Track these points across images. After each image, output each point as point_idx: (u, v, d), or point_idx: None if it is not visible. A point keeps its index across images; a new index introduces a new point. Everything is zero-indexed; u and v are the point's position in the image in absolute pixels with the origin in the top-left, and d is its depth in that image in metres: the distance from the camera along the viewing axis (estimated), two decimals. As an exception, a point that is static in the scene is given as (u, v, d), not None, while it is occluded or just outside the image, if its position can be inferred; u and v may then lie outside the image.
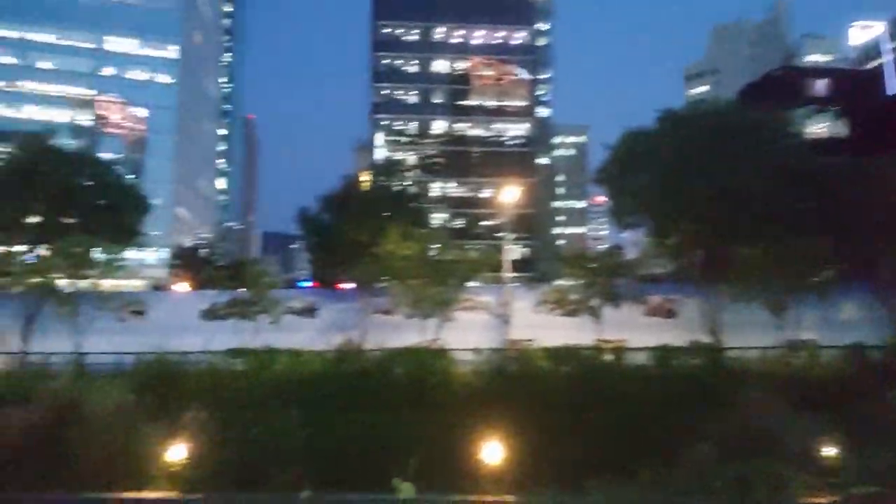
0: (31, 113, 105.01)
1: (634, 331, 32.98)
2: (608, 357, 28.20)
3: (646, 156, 36.01)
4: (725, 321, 32.39)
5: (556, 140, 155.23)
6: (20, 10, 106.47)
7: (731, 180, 31.38)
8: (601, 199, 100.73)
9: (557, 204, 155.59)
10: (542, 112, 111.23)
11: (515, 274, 42.15)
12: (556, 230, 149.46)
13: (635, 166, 36.98)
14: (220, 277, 51.25)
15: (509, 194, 47.28)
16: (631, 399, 22.53)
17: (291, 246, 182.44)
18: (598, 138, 57.43)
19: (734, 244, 33.09)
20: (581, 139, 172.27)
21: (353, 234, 39.40)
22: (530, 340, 31.49)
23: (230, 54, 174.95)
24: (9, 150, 49.84)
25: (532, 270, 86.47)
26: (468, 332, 33.63)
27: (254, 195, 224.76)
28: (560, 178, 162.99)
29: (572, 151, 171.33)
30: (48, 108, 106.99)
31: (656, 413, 21.23)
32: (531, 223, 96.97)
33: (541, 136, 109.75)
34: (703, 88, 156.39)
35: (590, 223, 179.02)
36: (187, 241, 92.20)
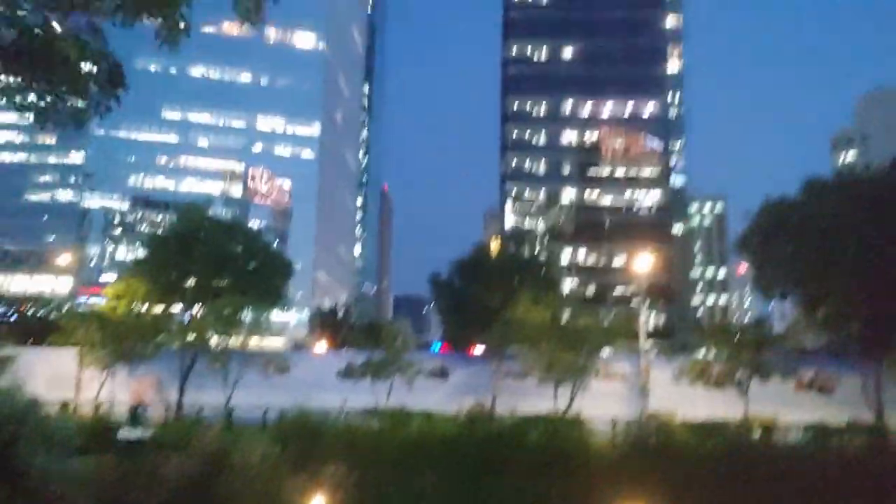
0: (190, 186, 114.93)
1: (785, 406, 30.73)
2: (757, 434, 26.31)
3: (791, 224, 34.23)
4: (890, 399, 29.55)
5: (693, 208, 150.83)
6: (183, 93, 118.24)
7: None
8: (743, 268, 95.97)
9: (695, 273, 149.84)
10: (676, 180, 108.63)
11: (651, 342, 40.65)
12: (695, 299, 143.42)
13: (779, 235, 35.22)
14: (357, 338, 52.93)
15: (643, 261, 46.15)
16: (782, 481, 20.79)
17: (423, 310, 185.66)
18: (738, 206, 55.29)
19: (897, 316, 30.43)
20: (718, 207, 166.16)
21: (484, 298, 39.70)
22: (670, 413, 30.01)
23: (367, 129, 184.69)
24: (170, 219, 54.67)
25: (669, 340, 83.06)
26: (603, 401, 32.63)
27: (388, 260, 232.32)
28: (697, 246, 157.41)
29: (709, 220, 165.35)
30: (204, 181, 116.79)
31: (811, 499, 19.44)
32: (667, 291, 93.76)
33: (675, 204, 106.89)
34: (851, 156, 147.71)
35: (731, 292, 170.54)
36: (326, 303, 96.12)
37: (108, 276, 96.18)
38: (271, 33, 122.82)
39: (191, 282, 43.22)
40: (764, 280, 37.06)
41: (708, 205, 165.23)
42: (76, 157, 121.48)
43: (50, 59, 11.82)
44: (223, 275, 43.58)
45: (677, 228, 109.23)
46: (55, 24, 12.39)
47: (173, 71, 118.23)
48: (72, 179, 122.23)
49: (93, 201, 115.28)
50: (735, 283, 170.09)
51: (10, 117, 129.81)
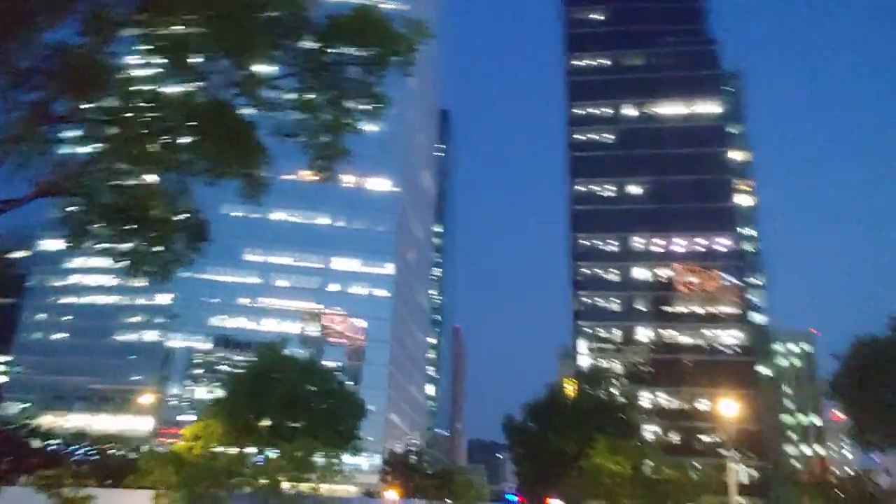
0: (269, 325, 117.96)
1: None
2: None
3: (885, 366, 32.32)
4: None
5: (778, 348, 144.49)
6: (264, 237, 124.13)
7: None
8: (839, 414, 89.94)
9: (787, 419, 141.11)
10: (757, 318, 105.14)
11: (744, 499, 37.87)
12: (789, 449, 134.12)
13: (874, 379, 33.21)
14: (429, 486, 51.39)
15: (728, 406, 43.87)
16: None
17: (498, 455, 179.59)
18: (828, 347, 52.78)
19: None
20: (806, 347, 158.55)
21: (559, 443, 38.39)
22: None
23: (440, 269, 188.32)
24: (249, 358, 55.93)
25: (764, 495, 77.14)
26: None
27: (461, 403, 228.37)
28: (787, 389, 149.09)
29: (797, 361, 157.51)
30: (283, 321, 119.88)
31: None
32: (757, 440, 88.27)
33: (758, 344, 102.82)
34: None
35: (829, 443, 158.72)
36: (398, 447, 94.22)
37: (188, 416, 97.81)
38: (347, 179, 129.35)
39: (265, 422, 43.52)
40: (860, 430, 34.57)
41: (794, 345, 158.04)
42: (163, 299, 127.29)
43: (144, 215, 12.85)
44: (297, 415, 43.76)
45: (763, 370, 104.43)
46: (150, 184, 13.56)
47: (255, 216, 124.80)
48: (158, 320, 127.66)
49: (176, 342, 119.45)
50: (832, 431, 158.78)
51: (103, 261, 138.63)
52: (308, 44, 13.05)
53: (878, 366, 32.90)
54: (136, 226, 13.27)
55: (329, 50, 13.15)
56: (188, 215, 13.87)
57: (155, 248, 13.54)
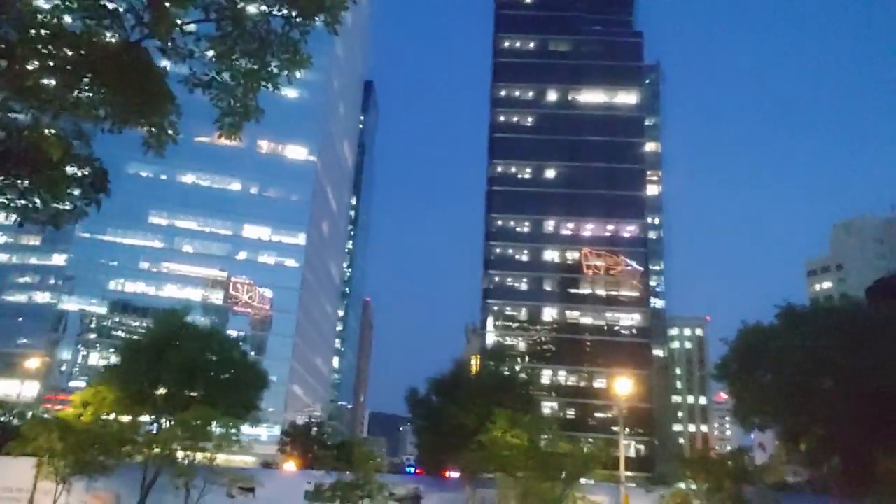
0: (171, 292, 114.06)
1: (767, 546, 29.59)
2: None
3: (768, 354, 34.36)
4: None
5: (673, 332, 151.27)
6: (171, 200, 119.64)
7: (874, 380, 29.10)
8: (723, 396, 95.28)
9: (676, 399, 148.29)
10: (656, 303, 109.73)
11: (631, 473, 39.59)
12: (676, 427, 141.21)
13: (757, 364, 35.27)
14: (328, 458, 51.17)
15: (623, 385, 45.66)
16: None
17: (400, 428, 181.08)
18: (717, 331, 55.59)
19: (879, 450, 30.01)
20: (698, 332, 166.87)
21: (460, 417, 38.85)
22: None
23: (352, 242, 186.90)
24: (147, 324, 53.93)
25: (649, 470, 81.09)
26: (580, 535, 31.26)
27: (366, 375, 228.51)
28: (678, 371, 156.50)
29: (690, 344, 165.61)
30: (186, 287, 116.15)
31: None
32: (648, 418, 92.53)
33: (655, 327, 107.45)
34: (827, 284, 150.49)
35: (713, 421, 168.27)
36: (299, 419, 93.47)
37: (79, 383, 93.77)
38: (263, 144, 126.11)
39: (161, 391, 42.16)
40: (743, 411, 36.71)
41: (688, 330, 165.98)
42: (58, 259, 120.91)
43: (35, 160, 11.92)
44: (195, 384, 42.60)
45: (657, 352, 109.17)
46: (44, 127, 12.63)
47: (164, 177, 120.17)
48: (51, 281, 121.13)
49: (70, 304, 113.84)
50: (716, 412, 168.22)
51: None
52: None
53: (760, 351, 34.87)
54: (27, 172, 12.37)
55: (253, 1, 12.55)
56: (86, 164, 12.98)
57: (46, 197, 12.70)
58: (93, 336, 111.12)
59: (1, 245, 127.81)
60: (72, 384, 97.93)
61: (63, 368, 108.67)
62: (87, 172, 13.06)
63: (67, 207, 13.09)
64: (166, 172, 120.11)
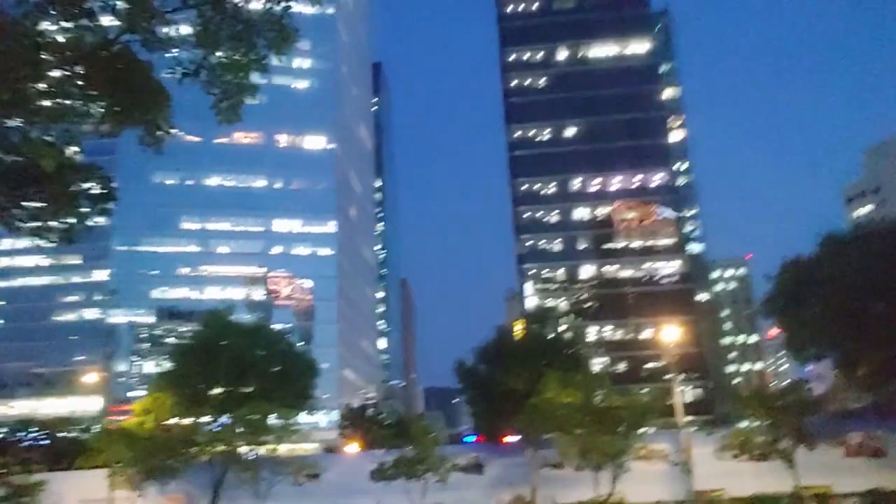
0: (213, 293, 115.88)
1: (837, 475, 29.38)
2: (811, 506, 25.06)
3: (815, 284, 33.79)
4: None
5: (715, 275, 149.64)
6: (201, 204, 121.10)
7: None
8: (775, 331, 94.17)
9: (726, 340, 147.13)
10: (694, 248, 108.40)
11: (690, 418, 39.48)
12: (730, 368, 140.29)
13: (805, 295, 34.72)
14: (387, 436, 51.99)
15: (670, 333, 45.39)
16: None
17: (454, 400, 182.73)
18: (761, 268, 54.75)
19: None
20: (741, 271, 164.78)
21: (510, 383, 39.06)
22: (719, 490, 28.76)
23: (382, 224, 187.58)
24: (194, 328, 54.93)
25: (708, 413, 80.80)
26: (646, 484, 31.41)
27: (413, 353, 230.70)
28: (725, 313, 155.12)
29: (734, 285, 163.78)
30: (226, 288, 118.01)
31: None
32: (700, 362, 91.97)
33: (696, 272, 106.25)
34: (868, 209, 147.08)
35: (767, 358, 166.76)
36: (355, 402, 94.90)
37: (138, 392, 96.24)
38: (282, 139, 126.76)
39: (217, 390, 43.06)
40: (796, 343, 36.27)
41: (730, 271, 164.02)
42: (100, 275, 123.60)
43: (37, 177, 11.88)
44: (248, 380, 43.41)
45: (701, 297, 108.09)
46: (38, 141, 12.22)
47: (190, 183, 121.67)
48: (97, 297, 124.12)
49: (118, 317, 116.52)
50: (769, 348, 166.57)
51: (36, 240, 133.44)
52: None
53: (806, 282, 34.35)
54: (30, 189, 12.17)
55: None
56: (89, 174, 12.77)
57: (55, 211, 12.47)
58: (144, 345, 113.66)
59: (45, 268, 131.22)
60: (131, 394, 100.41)
61: (121, 380, 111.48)
62: (90, 181, 12.90)
63: (73, 221, 12.89)
64: (192, 177, 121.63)
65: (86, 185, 12.72)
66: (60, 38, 11.57)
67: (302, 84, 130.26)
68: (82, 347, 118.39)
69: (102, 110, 11.93)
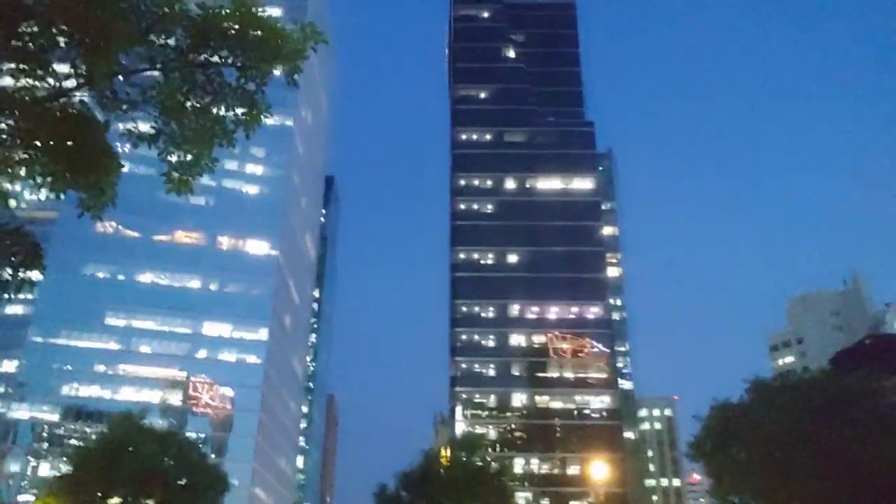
0: (128, 395, 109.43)
1: None
2: None
3: (741, 428, 34.07)
4: None
5: (642, 413, 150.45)
6: (129, 300, 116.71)
7: (849, 453, 28.85)
8: (697, 477, 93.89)
9: (650, 482, 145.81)
10: (624, 385, 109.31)
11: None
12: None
13: (731, 439, 34.89)
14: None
15: (597, 470, 44.65)
16: None
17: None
18: (686, 410, 55.33)
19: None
20: (668, 412, 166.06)
21: (434, 515, 37.40)
22: None
23: (315, 335, 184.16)
24: (101, 430, 51.57)
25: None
26: None
27: (331, 475, 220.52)
28: (650, 454, 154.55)
29: (659, 425, 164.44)
30: (143, 389, 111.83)
31: None
32: (623, 503, 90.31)
33: (625, 409, 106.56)
34: (790, 359, 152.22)
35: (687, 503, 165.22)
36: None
37: (27, 497, 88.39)
38: (224, 241, 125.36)
39: (115, 500, 39.97)
40: (721, 490, 35.99)
41: (656, 410, 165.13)
42: (9, 366, 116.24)
43: None
44: (152, 490, 40.59)
45: (629, 434, 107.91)
46: None
47: (122, 277, 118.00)
48: (0, 389, 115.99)
49: (21, 412, 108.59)
50: (690, 494, 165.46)
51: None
52: (176, 41, 11.32)
53: (734, 427, 34.58)
54: None
55: (202, 50, 11.44)
56: (12, 237, 11.70)
57: None
58: (44, 445, 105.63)
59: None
60: (21, 498, 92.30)
61: (11, 482, 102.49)
62: (14, 248, 11.80)
63: None
64: (124, 272, 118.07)
65: (8, 249, 11.65)
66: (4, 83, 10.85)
67: (252, 189, 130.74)
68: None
69: (42, 166, 11.06)
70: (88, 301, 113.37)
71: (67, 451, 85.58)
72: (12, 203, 11.68)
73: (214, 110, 11.59)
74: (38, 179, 11.16)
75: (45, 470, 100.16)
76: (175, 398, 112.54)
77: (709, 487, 40.42)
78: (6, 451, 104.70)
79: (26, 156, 10.95)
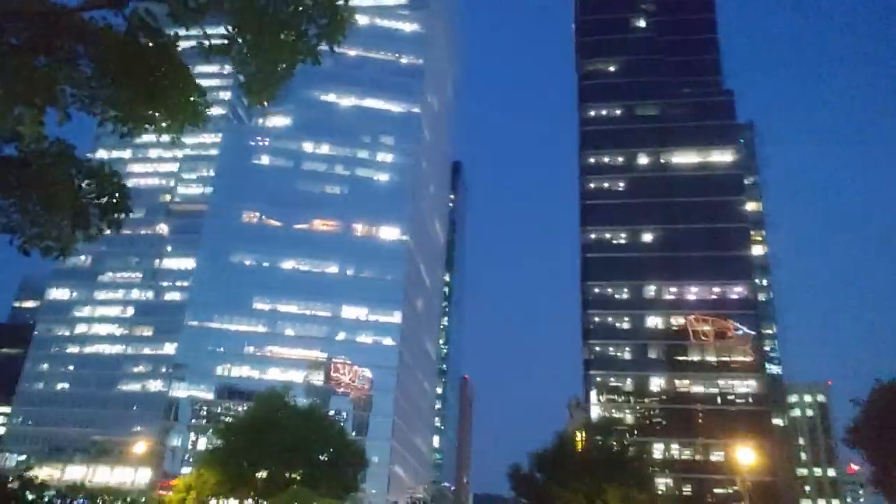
0: (274, 375, 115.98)
1: None
2: None
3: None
4: None
5: (792, 399, 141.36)
6: (274, 285, 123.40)
7: None
8: (856, 467, 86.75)
9: (801, 472, 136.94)
10: (772, 369, 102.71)
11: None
12: (804, 503, 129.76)
13: (894, 423, 31.61)
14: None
15: (744, 457, 42.03)
16: None
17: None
18: (841, 397, 50.91)
19: None
20: (821, 398, 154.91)
21: (567, 496, 36.63)
22: None
23: (447, 318, 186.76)
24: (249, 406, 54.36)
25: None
26: None
27: (467, 455, 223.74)
28: (801, 441, 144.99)
29: (812, 412, 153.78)
30: (288, 369, 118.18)
31: None
32: (772, 493, 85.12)
33: (772, 394, 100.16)
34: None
35: (843, 496, 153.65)
36: (402, 501, 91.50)
37: (189, 468, 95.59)
38: (358, 227, 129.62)
39: (262, 472, 42.01)
40: (887, 480, 32.72)
41: (808, 396, 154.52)
42: (169, 348, 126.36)
43: (43, 178, 10.29)
44: (295, 465, 42.30)
45: (777, 421, 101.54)
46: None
47: (266, 264, 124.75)
48: (163, 370, 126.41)
49: (180, 391, 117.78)
50: (849, 485, 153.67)
51: (111, 310, 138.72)
52: None
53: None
54: (36, 191, 10.65)
55: None
56: (98, 177, 10.72)
57: (60, 221, 10.78)
58: (202, 422, 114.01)
59: (118, 337, 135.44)
60: (184, 470, 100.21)
61: (176, 455, 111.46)
62: (105, 191, 10.76)
63: (78, 225, 10.63)
64: (268, 259, 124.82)
65: (98, 194, 11.13)
66: None
67: (383, 177, 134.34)
68: (142, 419, 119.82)
69: (112, 94, 10.08)
70: (237, 287, 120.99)
71: (220, 427, 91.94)
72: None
73: (294, 23, 10.52)
74: (112, 113, 10.25)
75: (202, 444, 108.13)
76: (317, 378, 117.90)
77: (869, 477, 36.91)
78: (169, 426, 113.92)
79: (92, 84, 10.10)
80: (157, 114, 10.20)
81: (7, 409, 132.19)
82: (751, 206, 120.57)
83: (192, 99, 10.48)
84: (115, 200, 10.79)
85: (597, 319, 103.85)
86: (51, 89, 9.77)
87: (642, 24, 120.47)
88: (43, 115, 9.95)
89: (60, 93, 9.92)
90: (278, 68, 10.56)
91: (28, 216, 10.26)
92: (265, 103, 10.96)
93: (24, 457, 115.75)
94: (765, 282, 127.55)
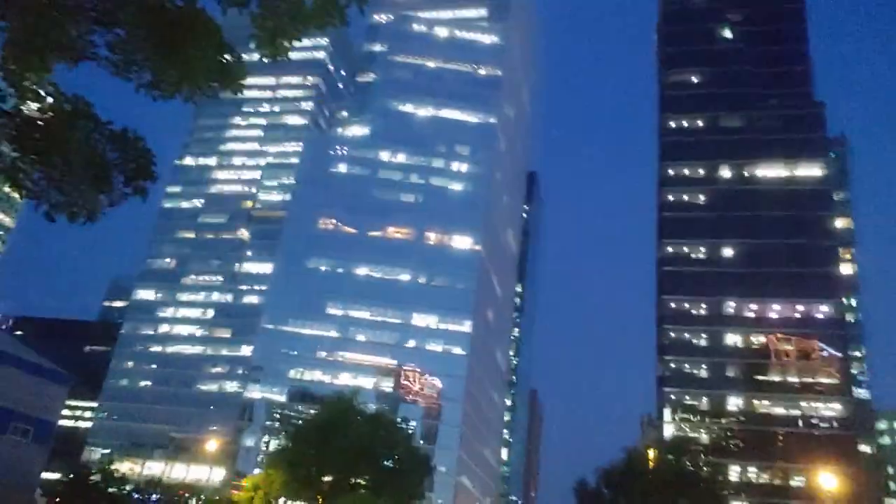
0: (345, 379, 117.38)
1: None
2: None
3: None
4: None
5: (881, 426, 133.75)
6: (347, 291, 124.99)
7: None
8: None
9: (891, 502, 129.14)
10: (859, 393, 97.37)
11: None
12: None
13: None
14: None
15: (828, 483, 39.81)
16: None
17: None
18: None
19: None
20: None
21: (638, 516, 35.47)
22: None
23: (518, 330, 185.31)
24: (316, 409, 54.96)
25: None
26: None
27: (535, 469, 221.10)
28: (891, 471, 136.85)
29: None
30: (358, 375, 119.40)
31: None
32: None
33: (859, 420, 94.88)
34: None
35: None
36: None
37: (260, 469, 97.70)
38: (431, 236, 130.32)
39: (327, 477, 42.39)
40: None
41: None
42: (246, 350, 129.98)
43: (66, 139, 9.87)
44: (361, 470, 42.49)
45: (864, 448, 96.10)
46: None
47: (340, 270, 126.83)
48: (239, 371, 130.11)
49: (255, 393, 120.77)
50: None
51: (193, 312, 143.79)
52: None
53: None
54: (59, 153, 9.64)
55: None
56: (120, 142, 10.31)
57: (82, 185, 9.85)
58: (275, 423, 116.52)
59: (198, 338, 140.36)
60: (256, 471, 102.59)
61: (248, 454, 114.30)
62: (129, 155, 10.39)
63: (103, 190, 10.28)
64: (342, 266, 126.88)
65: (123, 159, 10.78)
66: None
67: (456, 186, 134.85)
68: (218, 418, 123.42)
69: (137, 52, 9.66)
70: (312, 292, 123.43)
71: (289, 429, 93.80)
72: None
73: None
74: (147, 78, 9.91)
75: (273, 445, 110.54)
76: (387, 385, 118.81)
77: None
78: (243, 427, 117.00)
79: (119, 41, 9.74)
80: (185, 75, 9.78)
81: (94, 405, 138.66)
82: (840, 223, 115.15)
83: (222, 58, 10.05)
84: (139, 166, 10.36)
85: (672, 335, 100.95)
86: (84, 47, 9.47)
87: (728, 34, 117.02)
88: (51, 62, 9.63)
89: (93, 54, 9.67)
90: (294, 15, 9.84)
91: (52, 181, 9.95)
92: (274, 56, 10.13)
93: (108, 451, 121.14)
94: (853, 302, 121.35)
